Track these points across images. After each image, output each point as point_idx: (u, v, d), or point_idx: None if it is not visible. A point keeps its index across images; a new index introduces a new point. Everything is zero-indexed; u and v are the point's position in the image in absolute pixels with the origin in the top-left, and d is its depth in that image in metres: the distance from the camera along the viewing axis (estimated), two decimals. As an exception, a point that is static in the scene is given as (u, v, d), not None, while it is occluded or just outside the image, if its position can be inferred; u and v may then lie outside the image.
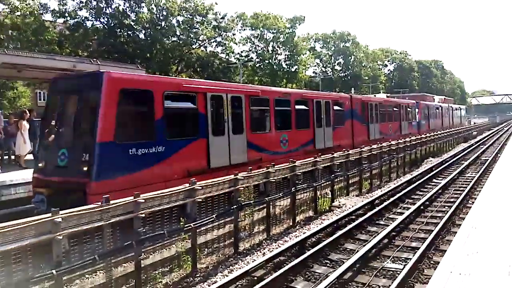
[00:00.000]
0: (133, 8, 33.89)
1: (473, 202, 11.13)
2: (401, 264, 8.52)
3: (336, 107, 20.81)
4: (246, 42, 49.73)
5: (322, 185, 14.02)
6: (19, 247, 5.73)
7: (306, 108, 18.26)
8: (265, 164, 12.22)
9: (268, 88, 19.35)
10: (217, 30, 38.26)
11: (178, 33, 36.99)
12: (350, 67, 67.35)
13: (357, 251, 9.14)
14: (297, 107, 17.47)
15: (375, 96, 38.22)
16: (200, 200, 8.80)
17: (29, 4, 29.49)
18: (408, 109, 33.26)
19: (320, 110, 19.24)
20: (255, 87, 19.44)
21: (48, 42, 30.08)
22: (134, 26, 33.77)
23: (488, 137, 50.61)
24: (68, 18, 31.68)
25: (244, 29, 49.13)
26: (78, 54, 30.45)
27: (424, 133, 29.47)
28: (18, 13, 28.75)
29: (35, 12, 29.42)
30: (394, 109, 29.85)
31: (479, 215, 8.27)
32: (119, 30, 33.59)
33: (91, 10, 32.33)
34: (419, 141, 25.56)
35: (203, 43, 39.56)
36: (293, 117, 17.28)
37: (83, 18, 32.40)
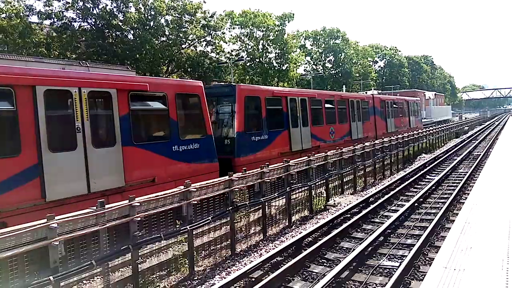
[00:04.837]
0: (121, 8, 33.43)
1: (466, 198, 11.24)
2: (397, 262, 8.59)
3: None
4: (236, 41, 49.39)
5: (317, 184, 14.06)
6: (15, 254, 5.69)
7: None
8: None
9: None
10: (206, 29, 37.92)
11: (167, 33, 36.60)
12: (340, 64, 67.09)
13: (353, 249, 9.19)
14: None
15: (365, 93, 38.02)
16: (196, 202, 8.78)
17: (14, 5, 29.00)
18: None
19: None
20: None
21: (36, 45, 29.53)
22: (122, 26, 33.23)
23: (480, 132, 51.05)
24: (55, 20, 31.21)
25: (234, 28, 48.78)
26: (66, 56, 29.98)
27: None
28: (3, 15, 28.23)
29: (21, 14, 28.92)
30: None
31: (472, 210, 8.33)
32: (107, 31, 33.14)
33: (77, 11, 31.90)
34: (412, 137, 25.76)
35: (192, 43, 39.30)
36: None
37: (70, 19, 31.96)
